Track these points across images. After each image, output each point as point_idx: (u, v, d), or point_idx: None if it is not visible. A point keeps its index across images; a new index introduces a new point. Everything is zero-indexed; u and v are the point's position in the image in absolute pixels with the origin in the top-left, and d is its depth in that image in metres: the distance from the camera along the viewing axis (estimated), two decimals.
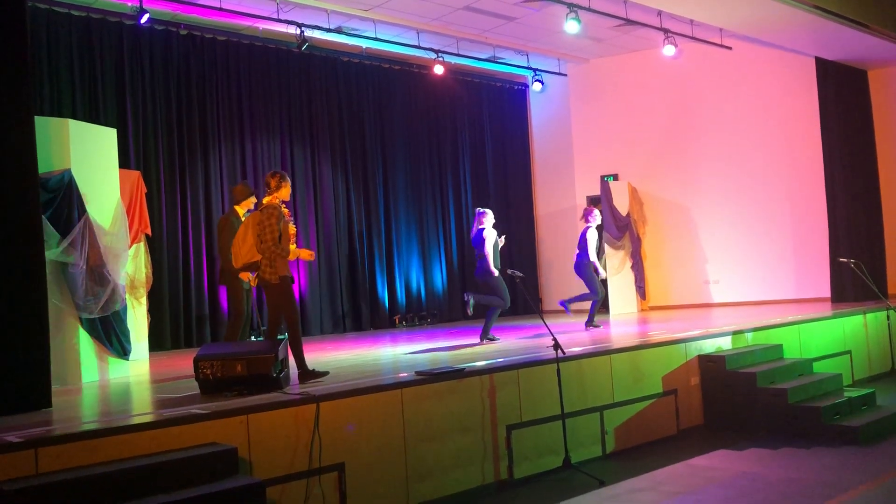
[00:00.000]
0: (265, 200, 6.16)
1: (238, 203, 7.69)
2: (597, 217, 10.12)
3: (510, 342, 8.67)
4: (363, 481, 5.19)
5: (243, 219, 7.48)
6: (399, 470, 5.40)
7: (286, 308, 6.09)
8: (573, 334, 9.20)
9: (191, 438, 4.59)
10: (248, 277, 7.10)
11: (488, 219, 8.81)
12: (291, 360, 6.03)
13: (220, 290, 10.90)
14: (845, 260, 10.80)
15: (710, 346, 7.88)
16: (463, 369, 6.01)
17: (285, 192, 6.16)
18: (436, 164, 14.09)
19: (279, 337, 6.23)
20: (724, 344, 8.06)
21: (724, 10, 10.02)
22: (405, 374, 6.07)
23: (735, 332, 8.25)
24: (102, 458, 4.29)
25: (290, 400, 5.06)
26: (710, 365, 7.64)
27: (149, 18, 9.78)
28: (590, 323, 9.97)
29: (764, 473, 5.88)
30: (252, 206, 7.59)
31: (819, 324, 9.18)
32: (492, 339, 8.75)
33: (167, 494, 4.16)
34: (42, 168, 5.99)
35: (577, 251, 10.10)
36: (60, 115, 9.39)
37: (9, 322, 5.04)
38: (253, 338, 9.55)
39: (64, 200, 6.89)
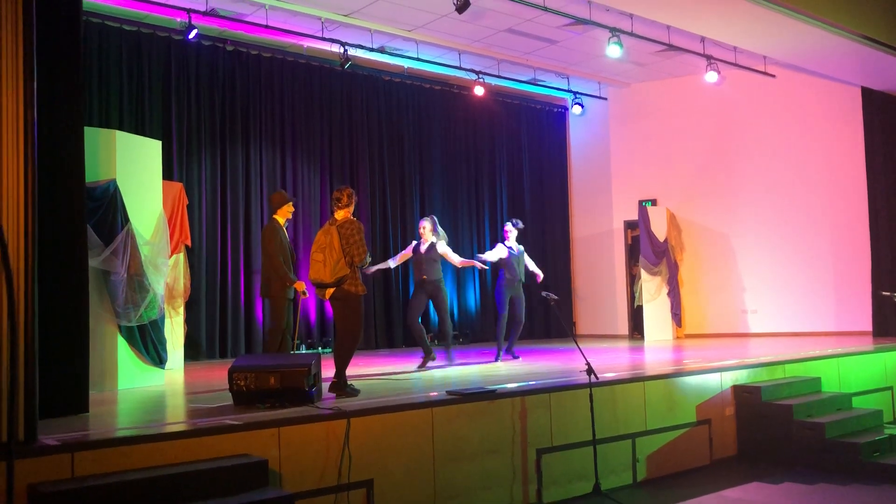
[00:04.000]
0: (339, 215, 6.29)
1: (275, 212, 7.63)
2: (511, 234, 9.33)
3: (542, 365, 8.60)
4: (391, 499, 5.18)
5: (284, 229, 7.53)
6: (427, 489, 5.39)
7: (359, 321, 6.33)
8: (607, 360, 9.12)
9: (223, 449, 4.63)
10: (302, 288, 7.23)
11: (424, 226, 8.87)
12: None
13: (259, 302, 10.99)
14: (888, 294, 10.58)
15: (745, 377, 7.76)
16: (494, 390, 5.99)
17: (353, 207, 6.40)
18: (473, 184, 14.13)
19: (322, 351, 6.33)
20: (761, 375, 7.93)
21: (770, 39, 9.95)
22: (436, 393, 6.07)
23: (772, 363, 8.11)
24: (136, 465, 4.34)
25: (321, 414, 5.09)
26: (746, 395, 7.52)
27: (197, 34, 10.00)
28: (510, 350, 9.39)
29: None
30: (290, 216, 7.62)
31: (859, 358, 8.98)
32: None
33: (198, 503, 4.19)
34: (89, 177, 6.12)
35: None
36: (108, 125, 9.60)
37: (51, 326, 5.13)
38: (304, 349, 9.59)
39: (108, 210, 7.05)
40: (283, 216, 7.52)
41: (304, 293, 7.33)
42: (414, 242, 9.10)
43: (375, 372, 8.33)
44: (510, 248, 9.31)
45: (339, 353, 6.19)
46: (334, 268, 6.10)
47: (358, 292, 6.20)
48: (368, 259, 6.30)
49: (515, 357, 9.34)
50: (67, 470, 4.16)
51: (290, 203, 7.56)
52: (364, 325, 11.96)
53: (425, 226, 8.92)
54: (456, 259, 9.05)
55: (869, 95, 11.81)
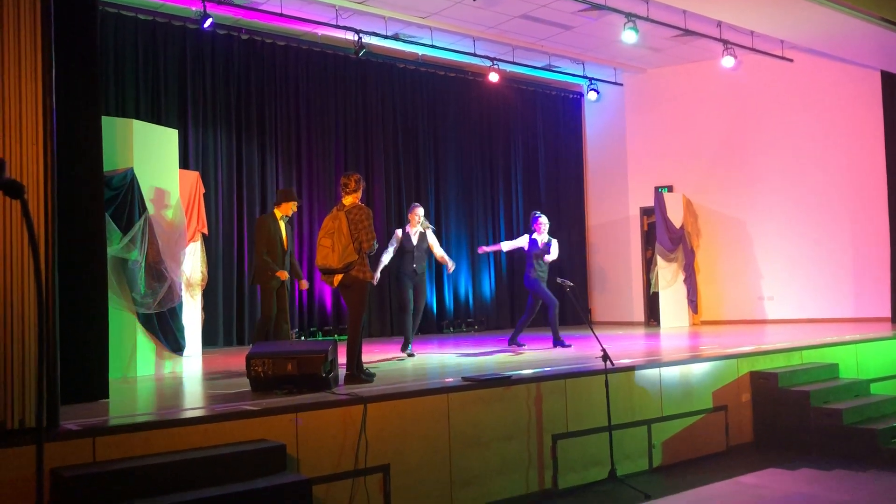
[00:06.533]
0: (347, 201, 6.30)
1: (279, 205, 7.71)
2: (543, 226, 9.13)
3: (557, 351, 8.61)
4: (407, 484, 5.22)
5: (280, 222, 7.59)
6: (443, 474, 5.43)
7: (363, 307, 6.30)
8: (623, 346, 9.11)
9: (241, 434, 4.69)
10: (285, 276, 7.37)
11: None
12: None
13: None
14: None
15: (762, 363, 7.74)
16: (510, 377, 6.01)
17: (361, 193, 6.38)
18: (488, 171, 14.12)
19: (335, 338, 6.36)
20: (778, 361, 7.90)
21: (787, 23, 9.85)
22: (451, 380, 6.09)
23: (789, 350, 8.08)
24: (156, 450, 4.40)
25: (337, 400, 5.13)
26: (762, 382, 7.50)
27: (212, 23, 10.04)
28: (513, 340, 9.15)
29: (815, 495, 5.75)
30: (289, 214, 7.70)
31: (878, 344, 8.93)
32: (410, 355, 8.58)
33: (217, 487, 4.25)
34: (106, 166, 6.17)
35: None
36: (124, 114, 9.67)
37: (71, 315, 5.20)
38: (303, 338, 9.68)
39: (126, 198, 7.11)
40: (283, 211, 7.63)
41: (283, 282, 7.52)
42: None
43: (389, 357, 8.38)
44: (535, 240, 9.12)
45: (351, 340, 6.19)
46: (342, 253, 6.11)
47: (366, 278, 6.20)
48: (376, 245, 6.24)
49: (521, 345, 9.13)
50: (89, 454, 4.22)
51: (294, 203, 7.69)
52: (378, 312, 12.26)
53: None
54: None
55: (888, 79, 11.67)
